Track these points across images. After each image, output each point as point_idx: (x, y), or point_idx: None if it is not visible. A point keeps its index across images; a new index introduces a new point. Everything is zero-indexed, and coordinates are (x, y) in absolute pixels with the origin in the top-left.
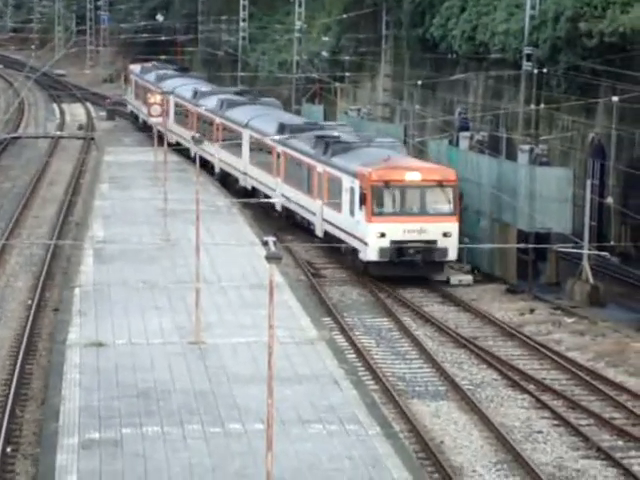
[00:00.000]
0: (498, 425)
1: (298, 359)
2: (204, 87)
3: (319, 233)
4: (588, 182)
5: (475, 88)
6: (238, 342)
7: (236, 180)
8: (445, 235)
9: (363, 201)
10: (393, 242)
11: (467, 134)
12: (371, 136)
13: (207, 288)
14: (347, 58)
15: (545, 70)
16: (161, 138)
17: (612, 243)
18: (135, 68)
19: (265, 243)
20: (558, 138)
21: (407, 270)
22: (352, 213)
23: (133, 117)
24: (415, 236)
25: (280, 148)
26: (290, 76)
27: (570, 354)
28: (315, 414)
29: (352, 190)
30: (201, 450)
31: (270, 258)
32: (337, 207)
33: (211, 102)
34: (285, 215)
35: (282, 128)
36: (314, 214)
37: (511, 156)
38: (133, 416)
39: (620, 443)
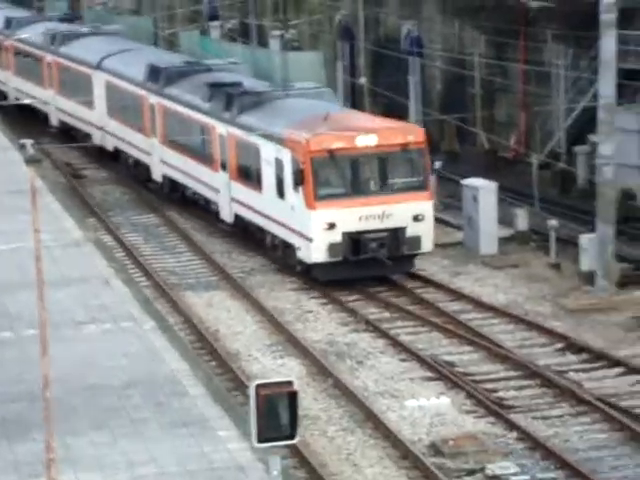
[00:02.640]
0: (270, 309)
1: (66, 262)
2: (16, 13)
3: (227, 218)
4: (339, 64)
5: None
6: (1, 250)
7: (86, 136)
8: (417, 219)
9: (300, 180)
10: (347, 235)
11: (217, 23)
12: (286, 82)
13: None
14: None
15: None
16: None
17: None
18: None
19: (22, 146)
20: (307, 22)
21: (367, 270)
22: (281, 195)
23: None
24: (376, 224)
25: (154, 99)
26: None
27: None
28: (88, 315)
29: (279, 163)
30: None
31: (29, 161)
32: (254, 184)
33: (35, 34)
34: (169, 188)
35: (155, 72)
36: (217, 191)
37: (263, 43)
38: None
39: (386, 315)
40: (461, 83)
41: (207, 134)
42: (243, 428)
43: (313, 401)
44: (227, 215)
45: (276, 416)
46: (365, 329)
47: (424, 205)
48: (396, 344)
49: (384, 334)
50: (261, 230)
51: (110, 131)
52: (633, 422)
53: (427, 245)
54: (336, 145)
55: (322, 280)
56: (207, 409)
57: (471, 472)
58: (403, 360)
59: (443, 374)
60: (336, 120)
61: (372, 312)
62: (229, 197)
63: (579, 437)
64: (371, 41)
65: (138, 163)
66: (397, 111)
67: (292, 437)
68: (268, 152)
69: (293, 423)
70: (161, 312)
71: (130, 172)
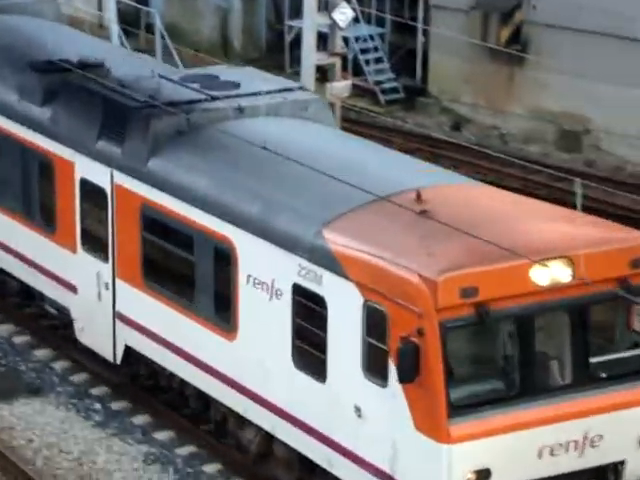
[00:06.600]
0: None
1: None
2: None
3: (100, 349)
4: None
5: None
6: None
7: None
8: None
9: (411, 369)
10: None
11: None
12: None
13: None
14: None
15: None
16: None
17: None
18: None
19: None
20: None
21: None
22: (317, 371)
23: None
24: (571, 461)
25: None
26: None
27: None
28: None
29: (314, 304)
30: None
31: None
32: (206, 312)
33: None
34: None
35: None
36: (71, 289)
37: None
38: None
39: None
40: None
41: (48, 173)
42: None
43: None
44: (101, 344)
45: None
46: None
47: None
48: None
49: None
50: (204, 400)
51: None
52: None
53: None
54: (490, 292)
55: None
56: None
57: None
58: None
59: None
60: (464, 219)
61: None
62: (109, 310)
63: None
64: None
65: None
66: None
67: None
68: (269, 267)
69: None
70: None
71: None
